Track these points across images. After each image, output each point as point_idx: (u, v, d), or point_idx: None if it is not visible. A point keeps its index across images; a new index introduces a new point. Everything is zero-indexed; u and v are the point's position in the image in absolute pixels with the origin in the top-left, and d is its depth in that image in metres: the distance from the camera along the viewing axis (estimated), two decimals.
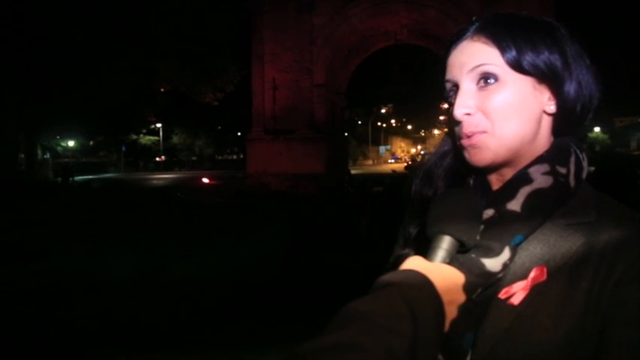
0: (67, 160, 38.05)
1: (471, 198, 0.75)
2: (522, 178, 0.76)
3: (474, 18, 0.82)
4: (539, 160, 0.77)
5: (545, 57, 0.75)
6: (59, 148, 37.64)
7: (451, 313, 0.66)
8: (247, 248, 8.48)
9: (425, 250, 0.72)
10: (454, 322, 0.67)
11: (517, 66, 0.75)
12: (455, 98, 0.79)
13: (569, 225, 0.74)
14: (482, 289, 0.73)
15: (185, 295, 6.00)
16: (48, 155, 31.99)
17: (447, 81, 0.81)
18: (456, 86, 0.80)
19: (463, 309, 0.69)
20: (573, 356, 0.69)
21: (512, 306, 0.72)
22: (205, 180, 26.83)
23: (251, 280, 6.51)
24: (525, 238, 0.74)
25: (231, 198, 17.26)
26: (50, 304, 5.59)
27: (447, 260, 0.70)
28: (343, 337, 0.53)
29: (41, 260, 7.56)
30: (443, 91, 0.83)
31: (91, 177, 32.27)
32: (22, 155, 23.29)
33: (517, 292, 0.73)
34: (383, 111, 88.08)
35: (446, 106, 0.84)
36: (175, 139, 52.39)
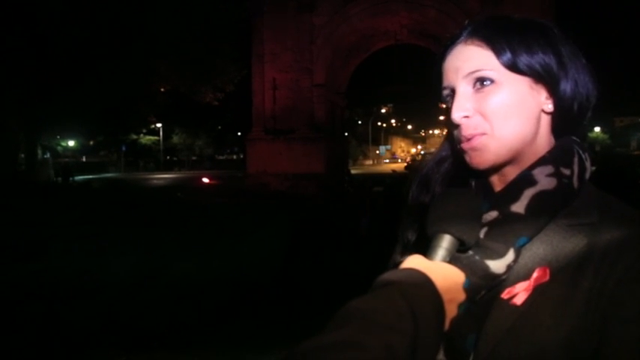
0: (67, 159, 38.06)
1: (471, 197, 0.75)
2: (526, 179, 0.76)
3: (466, 22, 0.82)
4: (542, 161, 0.77)
5: (539, 57, 0.75)
6: (59, 148, 37.64)
7: (451, 311, 0.66)
8: (247, 248, 8.48)
9: (424, 254, 0.72)
10: (457, 324, 0.67)
11: (513, 67, 0.75)
12: (452, 103, 0.79)
13: (571, 226, 0.74)
14: (486, 290, 0.73)
15: (185, 295, 6.00)
16: (48, 155, 31.97)
17: (444, 87, 0.81)
18: (452, 91, 0.80)
19: (466, 310, 0.69)
20: (575, 355, 0.70)
21: (515, 306, 0.72)
22: (205, 180, 26.85)
23: (251, 280, 6.51)
24: (529, 240, 0.74)
25: (231, 198, 17.26)
26: (50, 304, 5.59)
27: (448, 259, 0.70)
28: (343, 335, 0.53)
29: (41, 260, 7.56)
30: (440, 96, 0.83)
31: (91, 177, 32.28)
32: (22, 155, 23.29)
33: (520, 293, 0.73)
34: (383, 111, 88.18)
35: (444, 106, 0.84)
36: (175, 139, 52.41)
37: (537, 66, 0.75)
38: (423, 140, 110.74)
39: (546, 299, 0.71)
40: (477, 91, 0.77)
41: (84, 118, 23.47)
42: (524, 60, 0.75)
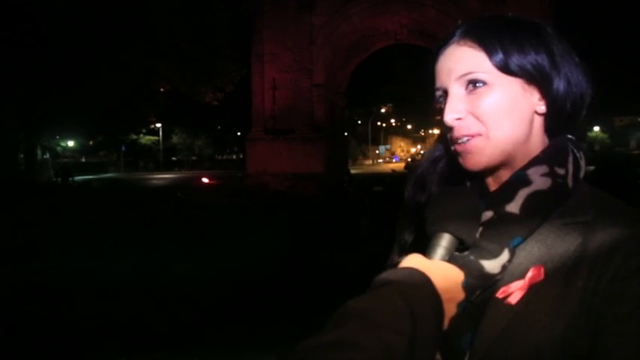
0: (66, 160, 38.03)
1: (470, 197, 0.75)
2: (521, 179, 0.76)
3: (459, 22, 0.82)
4: (537, 161, 0.77)
5: (532, 58, 0.75)
6: (59, 148, 37.62)
7: (450, 310, 0.66)
8: (247, 248, 8.48)
9: (423, 253, 0.72)
10: (452, 323, 0.67)
11: (505, 68, 0.75)
12: (445, 104, 0.79)
13: (566, 225, 0.74)
14: (481, 290, 0.73)
15: (185, 295, 6.00)
16: (48, 155, 31.95)
17: (437, 89, 0.81)
18: (445, 93, 0.80)
19: (461, 310, 0.69)
20: (570, 354, 0.70)
21: (510, 305, 0.73)
22: (205, 180, 26.85)
23: (251, 279, 6.51)
24: (524, 239, 0.74)
25: (231, 198, 17.27)
26: (50, 304, 5.59)
27: (447, 258, 0.70)
28: (342, 334, 0.53)
29: (41, 260, 7.56)
30: (433, 97, 0.83)
31: (90, 177, 32.26)
32: (22, 155, 23.28)
33: (515, 292, 0.73)
34: (383, 110, 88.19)
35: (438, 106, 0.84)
36: (175, 139, 52.40)
37: (529, 66, 0.75)
38: (422, 140, 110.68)
39: (541, 298, 0.72)
40: (470, 92, 0.77)
41: (83, 118, 23.45)
42: (516, 61, 0.75)
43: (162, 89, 24.53)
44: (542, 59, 0.76)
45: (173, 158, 55.65)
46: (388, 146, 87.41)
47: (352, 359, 0.51)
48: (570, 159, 0.77)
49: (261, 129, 19.67)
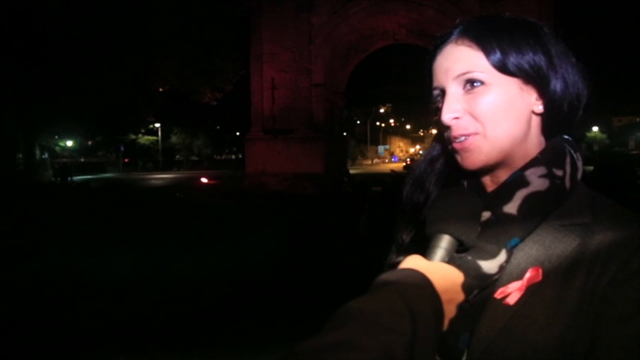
0: (65, 160, 38.00)
1: (470, 197, 0.75)
2: (519, 180, 0.76)
3: (457, 21, 0.82)
4: (535, 162, 0.77)
5: (529, 57, 0.75)
6: (57, 148, 37.58)
7: (450, 312, 0.66)
8: (246, 248, 8.48)
9: (421, 254, 0.72)
10: (451, 323, 0.67)
11: (502, 68, 0.75)
12: (442, 103, 0.79)
13: (564, 226, 0.75)
14: (479, 290, 0.74)
15: (185, 294, 6.00)
16: (46, 155, 31.92)
17: (435, 88, 0.81)
18: (443, 92, 0.80)
19: (459, 310, 0.69)
20: (567, 355, 0.70)
21: (508, 306, 0.73)
22: (204, 180, 26.86)
23: (250, 279, 6.51)
24: (521, 240, 0.74)
25: (230, 198, 17.27)
26: (50, 304, 5.59)
27: (446, 259, 0.71)
28: (341, 335, 0.53)
29: (41, 260, 7.56)
30: (430, 96, 0.83)
31: (89, 177, 32.25)
32: (21, 155, 23.26)
33: (513, 293, 0.73)
34: (382, 110, 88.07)
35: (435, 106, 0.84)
36: (174, 139, 52.38)
37: (527, 66, 0.75)
38: (421, 140, 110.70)
39: (539, 299, 0.72)
40: (467, 92, 0.77)
41: (82, 118, 23.46)
42: (513, 61, 0.75)
43: (161, 89, 24.55)
44: (540, 59, 0.76)
45: (177, 157, 55.56)
46: (387, 146, 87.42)
47: None
48: (568, 160, 0.78)
49: (260, 129, 19.66)
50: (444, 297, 0.64)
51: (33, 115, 19.86)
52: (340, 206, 13.62)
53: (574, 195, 0.77)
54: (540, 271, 0.73)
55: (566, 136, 0.82)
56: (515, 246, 0.74)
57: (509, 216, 0.74)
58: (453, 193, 0.76)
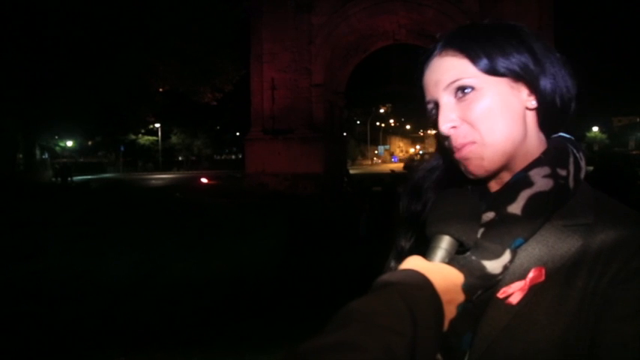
0: (65, 160, 38.01)
1: (470, 198, 0.75)
2: (523, 181, 0.76)
3: (437, 35, 0.83)
4: (538, 162, 0.78)
5: (515, 58, 0.76)
6: (57, 148, 37.62)
7: (450, 312, 0.66)
8: (246, 248, 8.48)
9: (422, 255, 0.72)
10: (453, 323, 0.68)
11: (490, 71, 0.76)
12: (437, 115, 0.79)
13: (567, 226, 0.75)
14: (483, 290, 0.74)
15: (185, 294, 6.00)
16: (46, 155, 31.94)
17: (428, 102, 0.82)
18: (436, 104, 0.80)
19: (462, 310, 0.69)
20: (569, 354, 0.70)
21: (510, 305, 0.73)
22: (204, 180, 26.83)
23: (250, 279, 6.51)
24: (525, 240, 0.74)
25: (230, 198, 17.26)
26: (50, 304, 5.58)
27: (447, 260, 0.71)
28: (342, 336, 0.53)
29: (41, 260, 7.55)
30: (425, 111, 0.84)
31: (89, 177, 32.24)
32: (21, 155, 23.28)
33: (515, 292, 0.73)
34: (382, 111, 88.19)
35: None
36: (174, 139, 52.38)
37: (514, 66, 0.76)
38: (421, 140, 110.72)
39: (541, 299, 0.72)
40: (460, 100, 0.77)
41: (82, 118, 23.44)
42: (500, 62, 0.76)
43: (161, 89, 24.54)
44: (526, 58, 0.76)
45: (180, 158, 55.59)
46: (387, 146, 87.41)
47: None
48: (571, 160, 0.78)
49: (260, 129, 19.66)
50: (444, 297, 0.64)
51: (33, 115, 19.86)
52: (340, 206, 13.62)
53: (577, 195, 0.77)
54: (543, 271, 0.73)
55: (568, 135, 0.82)
56: (519, 246, 0.74)
57: (513, 216, 0.74)
58: (453, 194, 0.76)
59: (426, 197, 0.87)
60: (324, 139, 19.21)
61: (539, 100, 0.78)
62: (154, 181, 32.23)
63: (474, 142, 0.77)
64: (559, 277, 0.72)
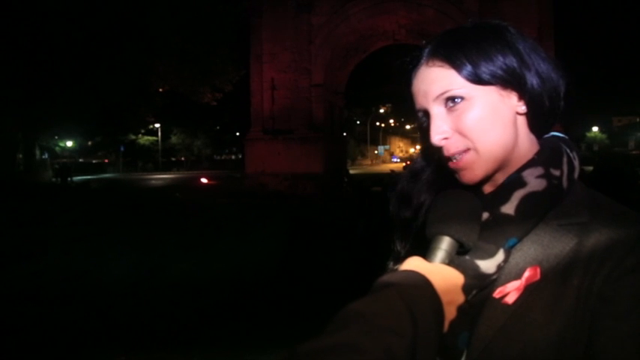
0: (65, 160, 38.00)
1: (470, 199, 0.75)
2: (516, 181, 0.77)
3: (423, 42, 0.82)
4: (532, 163, 0.78)
5: (500, 62, 0.76)
6: (57, 149, 37.61)
7: (450, 313, 0.67)
8: (246, 248, 8.48)
9: (422, 255, 0.72)
10: (450, 323, 0.68)
11: (477, 80, 0.76)
12: (428, 124, 0.79)
13: (562, 225, 0.75)
14: (478, 290, 0.74)
15: (184, 295, 6.00)
16: (46, 155, 31.92)
17: (417, 110, 0.82)
18: (426, 113, 0.80)
19: (459, 309, 0.70)
20: (566, 352, 0.71)
21: (507, 305, 0.74)
22: (204, 180, 26.85)
23: (250, 279, 6.51)
24: (519, 240, 0.75)
25: (229, 198, 17.26)
26: (50, 304, 5.58)
27: (447, 261, 0.71)
28: (342, 337, 0.53)
29: (41, 260, 7.56)
30: (416, 118, 0.84)
31: (89, 177, 32.22)
32: (21, 155, 23.27)
33: (511, 292, 0.74)
34: (381, 111, 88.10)
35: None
36: (174, 139, 52.37)
37: (500, 72, 0.76)
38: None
39: (537, 298, 0.73)
40: (450, 110, 0.77)
41: (82, 118, 23.45)
42: (485, 70, 0.75)
43: (160, 89, 24.56)
44: (511, 61, 0.76)
45: (172, 159, 55.65)
46: (387, 146, 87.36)
47: None
48: (565, 160, 0.79)
49: (260, 129, 19.66)
50: (444, 298, 0.64)
51: (33, 116, 19.86)
52: (340, 206, 13.62)
53: (571, 194, 0.78)
54: (538, 270, 0.73)
55: (561, 135, 0.82)
56: (513, 246, 0.75)
57: (506, 216, 0.74)
58: (453, 195, 0.76)
59: (418, 201, 0.87)
60: (324, 139, 19.21)
61: (528, 103, 0.78)
62: (153, 182, 32.21)
63: (466, 151, 0.77)
64: (554, 276, 0.73)
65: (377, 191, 11.08)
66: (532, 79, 0.77)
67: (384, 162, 72.69)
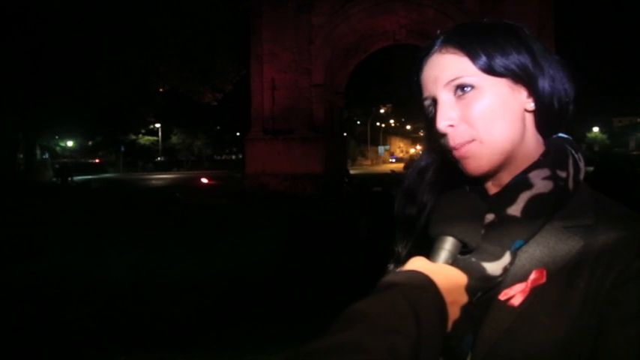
0: (65, 160, 38.03)
1: (473, 200, 0.75)
2: (522, 183, 0.76)
3: (438, 31, 0.82)
4: (538, 164, 0.77)
5: (514, 58, 0.76)
6: (58, 149, 37.66)
7: (454, 313, 0.66)
8: (246, 248, 8.48)
9: (425, 256, 0.72)
10: (455, 325, 0.67)
11: (490, 70, 0.75)
12: (435, 112, 0.79)
13: (567, 228, 0.75)
14: (483, 292, 0.74)
15: (184, 295, 6.00)
16: (47, 155, 31.94)
17: (425, 98, 0.81)
18: (434, 101, 0.80)
19: (464, 311, 0.69)
20: (572, 355, 0.70)
21: (512, 307, 0.73)
22: (204, 180, 26.87)
23: (250, 279, 6.51)
24: (525, 242, 0.74)
25: (230, 198, 17.27)
26: (50, 304, 5.59)
27: (450, 261, 0.71)
28: (346, 337, 0.53)
29: (41, 260, 7.56)
30: (421, 108, 0.83)
31: (89, 177, 32.23)
32: (21, 155, 23.28)
33: (517, 294, 0.73)
34: (382, 111, 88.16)
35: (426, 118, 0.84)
36: (174, 139, 52.41)
37: (513, 66, 0.76)
38: (421, 140, 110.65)
39: (543, 300, 0.72)
40: (459, 98, 0.77)
41: (82, 118, 23.47)
42: (499, 62, 0.75)
43: (161, 89, 24.55)
44: (525, 59, 0.76)
45: (184, 159, 55.71)
46: (387, 147, 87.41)
47: None
48: (570, 161, 0.78)
49: (260, 129, 19.68)
50: (447, 299, 0.64)
51: (33, 116, 19.86)
52: (340, 206, 13.62)
53: (577, 196, 0.77)
54: (544, 272, 0.73)
55: (565, 136, 0.82)
56: (519, 248, 0.74)
57: (512, 218, 0.74)
58: (457, 195, 0.76)
59: (422, 200, 0.86)
60: (324, 139, 19.23)
61: (537, 101, 0.77)
62: (154, 182, 32.23)
63: (472, 141, 0.76)
64: (560, 278, 0.72)
65: (377, 191, 11.08)
66: (544, 80, 0.77)
67: (384, 162, 72.72)
